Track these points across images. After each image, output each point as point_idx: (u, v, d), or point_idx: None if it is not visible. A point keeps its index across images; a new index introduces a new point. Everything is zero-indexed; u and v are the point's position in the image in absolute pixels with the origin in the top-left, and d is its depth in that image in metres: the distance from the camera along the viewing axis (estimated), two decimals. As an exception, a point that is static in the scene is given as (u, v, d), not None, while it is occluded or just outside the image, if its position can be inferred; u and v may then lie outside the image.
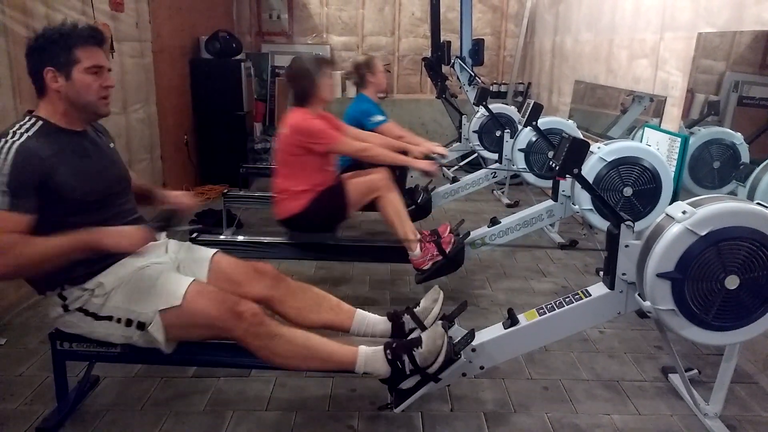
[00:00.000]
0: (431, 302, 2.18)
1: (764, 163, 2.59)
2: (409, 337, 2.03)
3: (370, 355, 1.91)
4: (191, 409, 2.18)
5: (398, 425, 2.11)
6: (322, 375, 2.35)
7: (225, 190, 4.28)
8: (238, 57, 5.61)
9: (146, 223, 1.84)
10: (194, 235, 3.12)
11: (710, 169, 3.09)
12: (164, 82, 4.76)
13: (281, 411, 2.18)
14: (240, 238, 3.26)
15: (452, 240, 2.98)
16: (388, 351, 1.90)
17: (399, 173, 3.64)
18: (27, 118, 1.79)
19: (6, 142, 1.68)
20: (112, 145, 2.04)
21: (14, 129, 1.73)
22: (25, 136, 1.71)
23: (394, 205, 2.99)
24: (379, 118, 3.74)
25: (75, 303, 1.83)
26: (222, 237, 3.16)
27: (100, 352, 1.95)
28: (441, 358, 1.87)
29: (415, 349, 1.88)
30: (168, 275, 1.91)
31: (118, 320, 1.83)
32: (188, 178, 5.33)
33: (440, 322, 1.99)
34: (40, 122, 1.78)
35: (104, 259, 1.81)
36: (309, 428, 2.09)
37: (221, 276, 2.08)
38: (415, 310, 2.17)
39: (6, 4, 2.84)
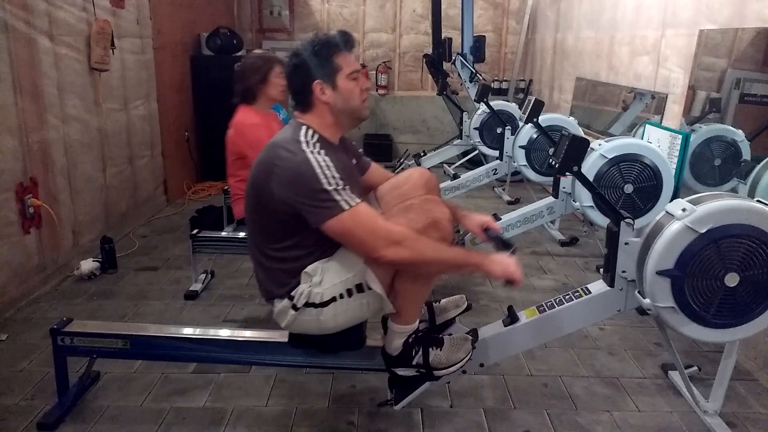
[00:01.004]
0: (453, 306, 2.15)
1: (765, 160, 2.59)
2: (438, 334, 2.00)
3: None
4: (192, 405, 2.19)
5: (398, 421, 2.11)
6: (322, 371, 2.35)
7: (225, 187, 4.27)
8: (239, 53, 5.61)
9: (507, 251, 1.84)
10: (195, 231, 3.13)
11: (711, 166, 3.09)
12: (165, 79, 4.76)
13: (281, 407, 2.19)
14: (240, 234, 3.26)
15: (452, 237, 2.98)
16: (412, 335, 1.89)
17: None
18: (305, 128, 1.76)
19: (310, 145, 1.68)
20: (353, 161, 2.01)
21: (300, 138, 1.71)
22: (317, 144, 1.71)
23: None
24: None
25: (301, 299, 1.77)
26: (223, 234, 3.16)
27: (100, 348, 1.96)
28: (453, 369, 1.88)
29: (432, 348, 1.88)
30: None
31: (341, 296, 1.77)
32: (189, 175, 5.34)
33: (470, 338, 1.95)
34: (317, 134, 1.76)
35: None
36: (309, 424, 2.10)
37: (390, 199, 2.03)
38: (434, 304, 2.16)
39: (7, 1, 2.83)
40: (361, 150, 2.09)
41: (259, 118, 2.86)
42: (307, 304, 1.77)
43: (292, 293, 1.78)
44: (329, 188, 1.63)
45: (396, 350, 1.89)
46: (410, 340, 1.88)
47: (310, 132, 1.75)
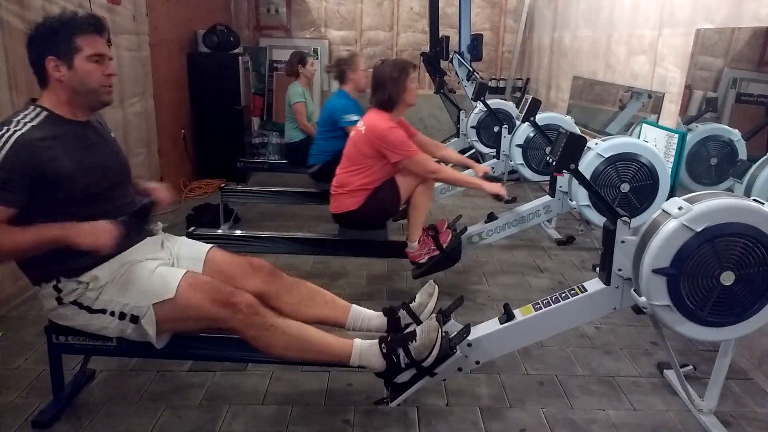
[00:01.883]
0: (426, 297, 2.18)
1: (761, 159, 2.59)
2: (405, 332, 2.03)
3: (365, 349, 1.91)
4: (187, 403, 2.18)
5: (394, 419, 2.11)
6: (318, 369, 2.35)
7: (222, 185, 4.28)
8: (236, 51, 5.60)
9: (120, 219, 1.82)
10: (191, 229, 3.12)
11: (707, 165, 3.09)
12: (161, 76, 4.74)
13: (277, 405, 2.19)
14: (237, 232, 3.26)
15: (449, 235, 2.98)
16: (383, 345, 1.90)
17: None
18: (31, 108, 1.78)
19: (7, 131, 1.67)
20: (113, 134, 2.04)
21: (18, 118, 1.72)
22: (28, 125, 1.71)
23: (427, 197, 3.01)
24: (354, 117, 3.68)
25: (69, 296, 1.82)
26: (219, 231, 3.16)
27: (95, 346, 1.95)
28: (435, 351, 1.87)
29: (409, 342, 1.89)
30: (162, 269, 1.90)
31: (112, 313, 1.82)
32: (185, 172, 5.32)
33: (435, 315, 1.99)
34: (44, 113, 1.77)
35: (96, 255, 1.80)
36: (305, 422, 2.10)
37: (216, 271, 2.07)
38: (410, 305, 2.17)
39: (1, -4, 2.82)
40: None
41: (393, 122, 2.91)
42: (75, 303, 1.82)
43: (59, 285, 1.82)
44: None
45: (382, 366, 1.90)
46: (384, 350, 1.89)
47: (37, 110, 1.76)
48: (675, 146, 3.02)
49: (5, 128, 1.68)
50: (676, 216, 1.74)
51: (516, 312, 2.03)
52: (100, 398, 2.19)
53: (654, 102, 3.67)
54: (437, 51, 5.81)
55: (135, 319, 1.81)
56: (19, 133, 1.67)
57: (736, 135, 3.00)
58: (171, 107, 4.98)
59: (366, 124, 2.93)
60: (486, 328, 2.04)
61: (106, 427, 2.04)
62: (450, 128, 6.23)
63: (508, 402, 2.24)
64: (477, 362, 2.02)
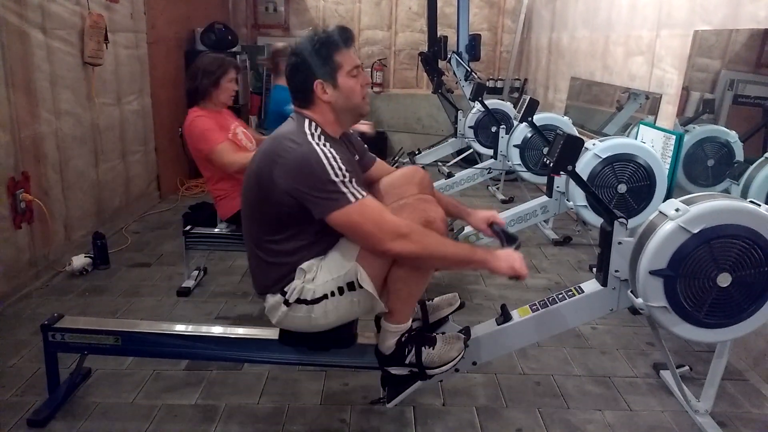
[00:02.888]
0: (446, 305, 2.14)
1: (758, 161, 2.60)
2: (430, 333, 1.98)
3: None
4: (183, 402, 2.18)
5: (390, 419, 2.11)
6: (314, 369, 2.35)
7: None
8: (234, 49, 5.59)
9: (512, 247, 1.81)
10: (188, 228, 3.11)
11: (704, 167, 3.10)
12: (159, 74, 4.73)
13: (273, 404, 2.18)
14: (234, 231, 3.25)
15: (446, 236, 2.97)
16: (405, 334, 1.88)
17: None
18: (309, 121, 1.76)
19: (315, 137, 1.68)
20: (356, 157, 1.99)
21: (304, 130, 1.71)
22: (322, 137, 1.70)
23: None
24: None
25: (293, 295, 1.77)
26: (216, 230, 3.15)
27: (91, 344, 1.95)
28: (446, 368, 1.87)
29: (425, 347, 1.87)
30: None
31: (332, 294, 1.76)
32: (182, 171, 5.31)
33: (463, 336, 1.94)
34: (320, 128, 1.76)
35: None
36: (301, 421, 2.09)
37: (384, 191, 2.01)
38: (427, 302, 2.15)
39: (-1, -7, 2.81)
40: (366, 146, 2.08)
41: (208, 115, 2.82)
42: (299, 301, 1.77)
43: (285, 288, 1.77)
44: (336, 180, 1.62)
45: (389, 349, 1.88)
46: (403, 339, 1.87)
47: (314, 124, 1.75)
48: (672, 147, 3.02)
49: (312, 140, 1.67)
50: (673, 217, 1.74)
51: (513, 313, 2.03)
52: (96, 397, 2.18)
53: (651, 103, 3.68)
54: (435, 51, 5.80)
55: (352, 286, 1.75)
56: (324, 139, 1.69)
57: (733, 136, 3.00)
58: (168, 105, 4.96)
59: (184, 126, 2.84)
60: (483, 328, 2.04)
61: (101, 426, 2.03)
62: (448, 128, 6.22)
63: (505, 402, 2.24)
64: (474, 363, 2.02)
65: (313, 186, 1.62)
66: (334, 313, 1.79)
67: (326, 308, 1.77)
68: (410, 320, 1.90)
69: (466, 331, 1.98)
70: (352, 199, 1.62)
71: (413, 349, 1.87)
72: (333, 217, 1.63)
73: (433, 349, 1.87)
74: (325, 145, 1.67)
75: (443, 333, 1.99)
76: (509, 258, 1.74)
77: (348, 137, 1.95)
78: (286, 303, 1.77)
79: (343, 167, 1.63)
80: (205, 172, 2.89)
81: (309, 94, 1.76)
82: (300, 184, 1.63)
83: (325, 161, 1.63)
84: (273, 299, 1.80)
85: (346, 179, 1.63)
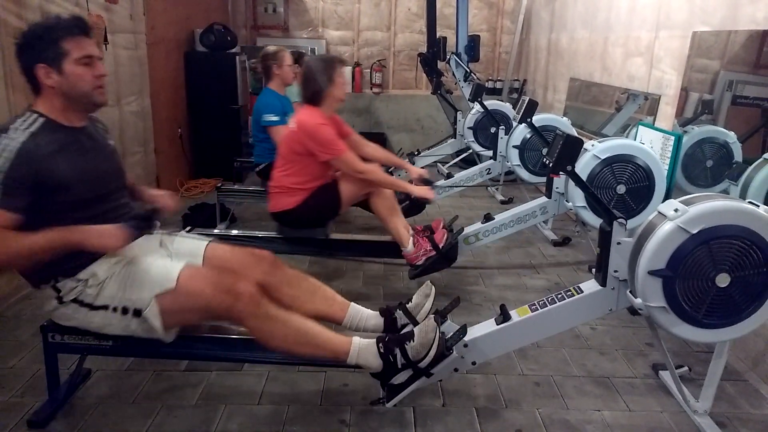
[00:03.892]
0: (423, 298, 2.18)
1: (757, 162, 2.60)
2: (401, 332, 2.03)
3: (364, 347, 1.91)
4: (183, 403, 2.18)
5: (390, 420, 2.12)
6: (314, 369, 2.35)
7: (219, 184, 4.27)
8: (234, 50, 5.59)
9: (127, 223, 1.82)
10: (188, 229, 3.11)
11: (703, 167, 3.10)
12: (158, 75, 4.73)
13: (273, 405, 2.19)
14: (234, 232, 3.26)
15: (446, 235, 2.98)
16: (380, 345, 1.90)
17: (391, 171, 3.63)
18: (28, 114, 1.77)
19: (8, 139, 1.67)
20: (111, 142, 2.03)
21: (15, 125, 1.72)
22: (27, 133, 1.71)
23: (387, 202, 2.99)
24: (273, 117, 3.65)
25: (69, 294, 1.82)
26: (216, 231, 3.15)
27: (91, 345, 1.94)
28: (432, 352, 1.87)
29: (407, 342, 1.89)
30: (161, 261, 1.91)
31: (114, 309, 1.82)
32: (182, 172, 5.31)
33: (432, 316, 1.99)
34: (41, 119, 1.77)
35: (93, 253, 1.81)
36: (301, 422, 2.10)
37: (216, 263, 2.07)
38: (407, 305, 2.17)
39: (-2, -6, 2.82)
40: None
41: (323, 119, 2.89)
42: (76, 300, 1.82)
43: (58, 285, 1.82)
44: None
45: (379, 366, 1.90)
46: (383, 350, 1.89)
47: (30, 120, 1.75)
48: (671, 148, 3.03)
49: (5, 136, 1.68)
50: (672, 218, 1.75)
51: (512, 313, 2.03)
52: (96, 398, 2.18)
53: (650, 104, 3.68)
54: (434, 52, 5.81)
55: (138, 313, 1.80)
56: (20, 142, 1.68)
57: (731, 137, 3.01)
58: (168, 106, 4.97)
59: (297, 121, 2.92)
60: (482, 329, 2.04)
61: (101, 427, 2.03)
62: (447, 129, 6.23)
63: (504, 402, 2.24)
64: (473, 363, 2.02)
65: None
66: (110, 329, 1.85)
67: (105, 320, 1.83)
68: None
69: (463, 329, 1.99)
70: None
71: (397, 350, 1.89)
72: None
73: (413, 341, 1.89)
74: (14, 143, 1.66)
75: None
76: (103, 233, 1.73)
77: (91, 126, 1.94)
78: (60, 300, 1.83)
79: (4, 171, 1.63)
80: (290, 165, 2.93)
81: (33, 78, 1.77)
82: None
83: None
84: (45, 292, 1.84)
85: None
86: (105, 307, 1.82)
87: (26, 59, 1.76)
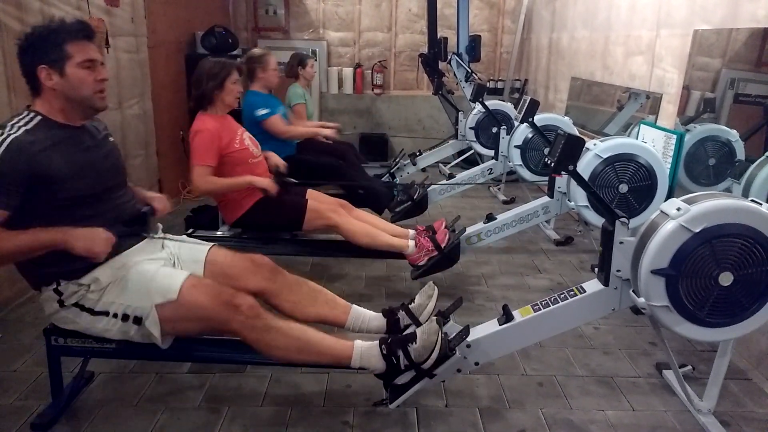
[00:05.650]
0: (426, 298, 2.18)
1: (759, 160, 2.59)
2: (404, 333, 2.03)
3: (366, 350, 1.91)
4: (186, 405, 2.18)
5: (393, 421, 2.11)
6: (317, 371, 2.35)
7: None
8: (234, 52, 5.59)
9: (115, 228, 1.83)
10: (190, 231, 3.12)
11: (705, 166, 3.10)
12: (160, 78, 4.74)
13: (276, 406, 2.19)
14: (236, 234, 3.26)
15: (448, 235, 2.98)
16: (383, 346, 1.90)
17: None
18: (26, 113, 1.78)
19: (1, 134, 1.68)
20: (111, 139, 2.04)
21: (12, 122, 1.73)
22: (22, 129, 1.71)
23: (357, 230, 2.94)
24: (262, 111, 3.67)
25: (71, 298, 1.83)
26: (218, 233, 3.15)
27: (95, 348, 1.95)
28: (435, 354, 1.87)
29: (409, 344, 1.89)
30: (164, 270, 1.91)
31: (115, 315, 1.83)
32: (184, 174, 5.30)
33: (435, 317, 1.99)
34: (38, 117, 1.78)
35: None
36: (304, 424, 2.10)
37: (217, 270, 2.08)
38: (410, 306, 2.17)
39: (-1, -1, 2.82)
40: None
41: (215, 121, 2.85)
42: (77, 305, 1.83)
43: (60, 288, 1.82)
44: None
45: (382, 367, 1.90)
46: (385, 352, 1.89)
47: (27, 119, 1.76)
48: (673, 147, 3.02)
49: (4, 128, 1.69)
50: (675, 217, 1.74)
51: (515, 313, 2.03)
52: (99, 400, 2.19)
53: (652, 103, 3.68)
54: (435, 52, 5.81)
55: (138, 321, 1.82)
56: (13, 137, 1.68)
57: (734, 135, 3.00)
58: (169, 109, 4.97)
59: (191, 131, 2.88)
60: (485, 329, 2.04)
61: (104, 430, 2.04)
62: (448, 129, 6.22)
63: (507, 403, 2.24)
64: (476, 363, 2.02)
65: None
66: (109, 333, 1.86)
67: (106, 326, 1.85)
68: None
69: (465, 330, 1.99)
70: None
71: (400, 352, 1.88)
72: None
73: (416, 342, 1.89)
74: (6, 138, 1.66)
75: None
76: (89, 236, 1.74)
77: (90, 125, 1.94)
78: (61, 303, 1.84)
79: None
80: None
81: (34, 79, 1.78)
82: None
83: None
84: (46, 293, 1.85)
85: None
86: (106, 313, 1.83)
87: (28, 60, 1.77)
